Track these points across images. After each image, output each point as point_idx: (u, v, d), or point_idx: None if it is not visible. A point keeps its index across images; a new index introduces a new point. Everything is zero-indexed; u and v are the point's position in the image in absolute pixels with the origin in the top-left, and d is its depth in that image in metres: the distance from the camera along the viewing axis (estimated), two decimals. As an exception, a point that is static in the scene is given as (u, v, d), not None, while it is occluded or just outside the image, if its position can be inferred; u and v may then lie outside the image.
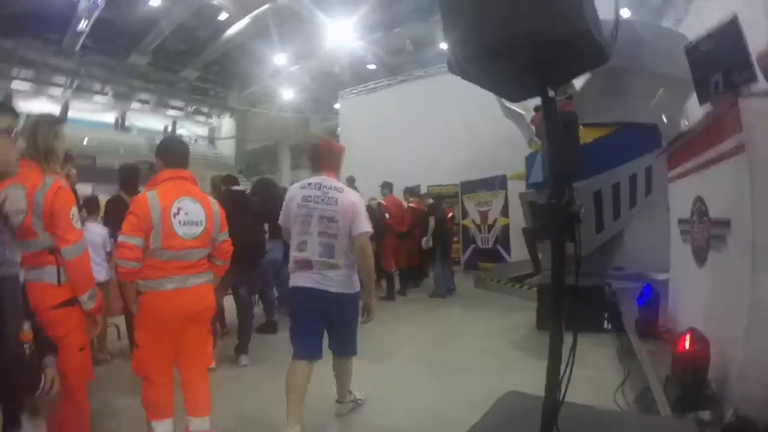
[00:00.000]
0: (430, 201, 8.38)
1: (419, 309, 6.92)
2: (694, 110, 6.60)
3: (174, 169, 2.64)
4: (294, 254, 2.86)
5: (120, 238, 2.43)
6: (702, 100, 2.92)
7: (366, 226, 2.87)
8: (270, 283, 5.59)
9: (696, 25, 7.30)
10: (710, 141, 2.48)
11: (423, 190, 9.72)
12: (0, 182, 1.91)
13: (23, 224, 2.08)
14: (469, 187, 11.01)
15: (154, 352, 2.51)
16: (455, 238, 10.63)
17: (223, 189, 4.57)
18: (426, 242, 7.73)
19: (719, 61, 2.67)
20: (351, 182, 8.50)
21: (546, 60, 1.48)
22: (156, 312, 2.49)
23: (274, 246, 5.45)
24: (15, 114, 1.87)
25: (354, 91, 14.77)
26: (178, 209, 2.50)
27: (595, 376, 3.72)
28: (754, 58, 2.35)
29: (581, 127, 5.62)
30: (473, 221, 10.94)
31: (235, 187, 4.57)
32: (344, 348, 3.07)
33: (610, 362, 4.10)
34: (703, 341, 2.22)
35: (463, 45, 1.61)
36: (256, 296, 5.73)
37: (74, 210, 2.25)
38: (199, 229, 2.56)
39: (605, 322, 4.91)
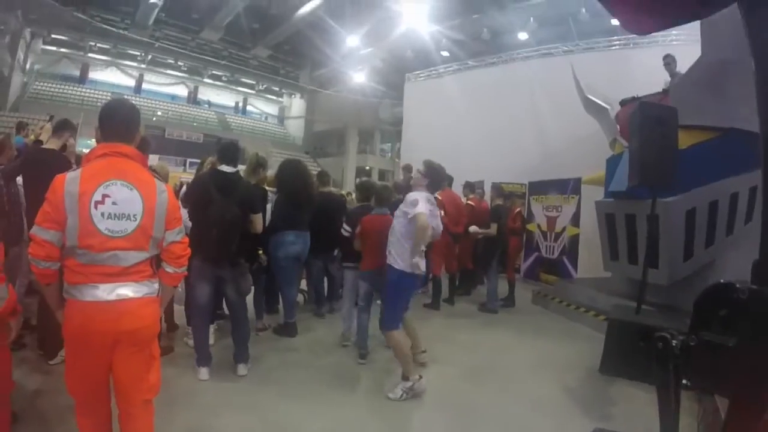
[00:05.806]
0: (499, 202, 7.04)
1: (462, 325, 5.96)
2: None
3: (110, 143, 1.96)
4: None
5: (32, 230, 1.84)
6: None
7: None
8: (288, 280, 5.00)
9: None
10: None
11: (487, 186, 8.52)
12: None
13: None
14: (538, 187, 9.87)
15: (77, 372, 1.95)
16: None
17: (208, 167, 3.85)
18: (475, 231, 6.73)
19: None
20: (408, 170, 7.35)
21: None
22: (73, 326, 1.90)
23: (297, 239, 4.84)
24: None
25: (421, 75, 13.94)
26: (103, 197, 1.85)
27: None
28: None
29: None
30: (539, 226, 9.81)
31: (226, 168, 3.69)
32: None
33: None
34: None
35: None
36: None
37: None
38: (131, 225, 1.89)
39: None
